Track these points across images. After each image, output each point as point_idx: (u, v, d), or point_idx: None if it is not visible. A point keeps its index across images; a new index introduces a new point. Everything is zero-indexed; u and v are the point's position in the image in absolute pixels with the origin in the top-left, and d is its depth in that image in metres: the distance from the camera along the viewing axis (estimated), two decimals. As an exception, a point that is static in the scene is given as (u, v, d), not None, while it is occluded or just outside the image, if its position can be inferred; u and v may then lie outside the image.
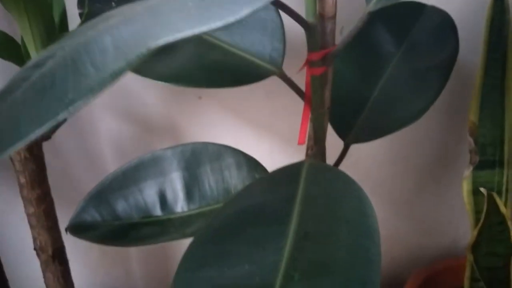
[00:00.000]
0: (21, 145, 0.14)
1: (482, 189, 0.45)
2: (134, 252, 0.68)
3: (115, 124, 0.58)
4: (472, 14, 0.57)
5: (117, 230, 0.41)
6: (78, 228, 0.41)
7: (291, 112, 0.61)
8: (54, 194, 0.47)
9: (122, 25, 0.17)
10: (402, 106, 0.43)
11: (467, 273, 0.58)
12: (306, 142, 0.41)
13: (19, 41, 0.41)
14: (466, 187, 0.55)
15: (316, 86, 0.36)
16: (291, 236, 0.30)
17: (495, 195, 0.43)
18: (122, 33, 0.17)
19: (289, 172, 0.34)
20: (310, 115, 0.39)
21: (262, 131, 0.61)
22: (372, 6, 0.31)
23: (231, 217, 0.32)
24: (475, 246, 0.46)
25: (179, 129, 0.59)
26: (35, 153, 0.43)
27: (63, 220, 0.49)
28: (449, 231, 0.74)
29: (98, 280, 0.68)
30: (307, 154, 0.42)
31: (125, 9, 0.22)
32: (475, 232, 0.45)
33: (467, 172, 0.56)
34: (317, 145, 0.40)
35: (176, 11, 0.18)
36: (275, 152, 0.63)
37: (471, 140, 0.55)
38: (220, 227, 0.32)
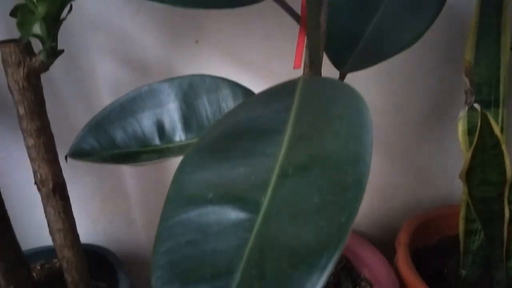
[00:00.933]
0: None
1: (476, 105, 0.45)
2: (135, 201, 0.69)
3: (113, 69, 0.59)
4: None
5: (116, 157, 0.42)
6: (78, 155, 0.42)
7: (288, 55, 0.61)
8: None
9: None
10: (396, 37, 0.43)
11: (462, 213, 0.59)
12: (302, 69, 0.42)
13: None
14: (461, 127, 0.56)
15: (312, 6, 0.36)
16: (286, 140, 0.30)
17: (489, 115, 0.44)
18: None
19: (285, 87, 0.35)
20: (305, 39, 0.39)
21: (258, 74, 0.62)
22: None
23: (228, 128, 0.33)
24: (469, 173, 0.46)
25: (176, 73, 0.59)
26: (33, 83, 0.43)
27: (63, 161, 0.49)
28: (445, 182, 0.75)
29: (100, 229, 0.69)
30: (303, 82, 0.42)
31: None
32: (469, 155, 0.46)
33: (463, 112, 0.56)
34: (312, 71, 0.40)
35: None
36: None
37: (466, 80, 0.55)
38: (217, 137, 0.32)
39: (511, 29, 0.54)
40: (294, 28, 0.52)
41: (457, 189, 0.75)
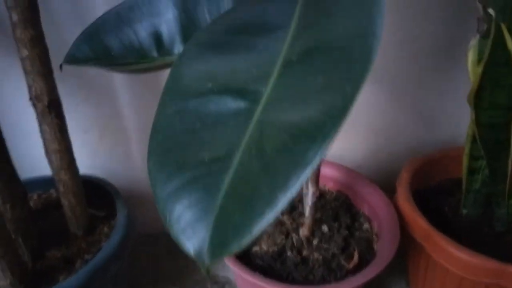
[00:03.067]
0: None
1: (490, 10, 0.42)
2: (134, 133, 0.67)
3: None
4: None
5: (112, 66, 0.40)
6: (73, 61, 0.40)
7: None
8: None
9: None
10: None
11: (467, 149, 0.58)
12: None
13: None
14: (471, 57, 0.54)
15: None
16: (291, 34, 0.28)
17: (503, 26, 0.41)
18: None
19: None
20: None
21: None
22: None
23: (229, 23, 0.31)
24: (478, 93, 0.44)
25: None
26: (25, -14, 0.41)
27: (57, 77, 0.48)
28: (449, 125, 0.73)
29: (98, 162, 0.69)
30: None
31: None
32: (479, 70, 0.44)
33: (474, 41, 0.53)
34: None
35: None
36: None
37: (479, 6, 0.53)
38: (218, 32, 0.31)
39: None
40: None
41: (461, 134, 0.74)
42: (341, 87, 0.20)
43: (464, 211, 0.61)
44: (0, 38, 0.56)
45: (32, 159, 0.62)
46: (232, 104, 0.26)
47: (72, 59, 0.41)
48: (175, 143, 0.25)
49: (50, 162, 0.50)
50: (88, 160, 0.68)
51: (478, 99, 0.45)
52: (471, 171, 0.59)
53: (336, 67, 0.22)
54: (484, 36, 0.53)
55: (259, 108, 0.25)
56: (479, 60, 0.53)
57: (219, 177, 0.23)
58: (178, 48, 0.42)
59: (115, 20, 0.42)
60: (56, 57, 0.46)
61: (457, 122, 0.73)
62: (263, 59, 0.28)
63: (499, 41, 0.40)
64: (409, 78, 0.68)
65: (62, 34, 0.52)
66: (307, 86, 0.23)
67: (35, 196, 0.63)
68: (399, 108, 0.71)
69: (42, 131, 0.48)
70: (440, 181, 0.68)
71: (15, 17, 0.41)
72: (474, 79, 0.54)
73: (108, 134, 0.67)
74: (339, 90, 0.20)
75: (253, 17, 0.31)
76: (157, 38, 0.42)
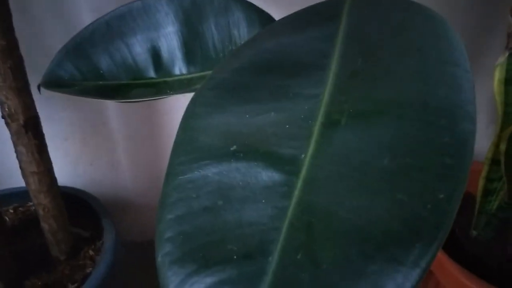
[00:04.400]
0: None
1: None
2: (120, 141, 0.61)
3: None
4: None
5: (102, 89, 0.34)
6: (53, 84, 0.33)
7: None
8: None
9: None
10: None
11: (484, 173, 0.54)
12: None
13: None
14: (498, 75, 0.49)
15: None
16: (332, 78, 0.23)
17: None
18: None
19: (325, 7, 0.27)
20: None
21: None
22: None
23: (252, 58, 0.25)
24: None
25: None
26: (-7, -11, 0.34)
27: (36, 91, 0.41)
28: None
29: (80, 171, 0.62)
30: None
31: None
32: None
33: (502, 58, 0.49)
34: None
35: None
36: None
37: (511, 20, 0.48)
38: (238, 70, 0.25)
39: None
40: None
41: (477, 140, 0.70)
42: (429, 190, 0.15)
43: (474, 233, 0.58)
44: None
45: (7, 168, 0.56)
46: (263, 175, 0.21)
47: (53, 78, 0.34)
48: (192, 227, 0.20)
49: (28, 184, 0.44)
50: (69, 168, 0.62)
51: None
52: (485, 193, 0.56)
53: (412, 151, 0.17)
54: (513, 53, 0.49)
55: (299, 184, 0.20)
56: (506, 80, 0.49)
57: (253, 286, 0.17)
58: (180, 67, 0.36)
59: (105, 31, 0.35)
60: (34, 66, 0.40)
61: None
62: (298, 111, 0.22)
63: None
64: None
65: (41, 40, 0.45)
66: (366, 165, 0.18)
67: (11, 210, 0.57)
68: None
69: (17, 152, 0.42)
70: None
71: (-18, 25, 0.35)
72: (499, 99, 0.50)
73: (91, 141, 0.61)
74: (425, 193, 0.15)
75: (281, 52, 0.25)
76: (155, 54, 0.36)
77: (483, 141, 0.63)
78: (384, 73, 0.20)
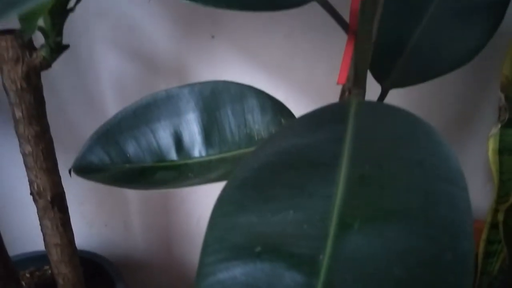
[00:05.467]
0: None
1: None
2: (133, 204, 0.64)
3: (117, 62, 0.53)
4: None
5: (128, 173, 0.37)
6: (85, 170, 0.36)
7: (310, 55, 0.57)
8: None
9: None
10: (448, 48, 0.39)
11: (484, 236, 0.56)
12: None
13: None
14: (492, 145, 0.53)
15: (365, 16, 0.31)
16: (343, 180, 0.26)
17: None
18: None
19: (334, 111, 0.30)
20: (353, 49, 0.34)
21: (278, 75, 0.57)
22: None
23: (271, 158, 0.28)
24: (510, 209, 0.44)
25: (188, 71, 0.54)
26: (33, 83, 0.37)
27: (61, 164, 0.44)
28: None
29: (95, 232, 0.64)
30: (342, 98, 0.38)
31: None
32: None
33: (495, 129, 0.53)
34: (356, 86, 0.36)
35: None
36: (290, 98, 0.58)
37: (502, 96, 0.52)
38: (259, 169, 0.28)
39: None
40: (317, 27, 0.47)
41: (473, 201, 0.73)
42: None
43: (479, 293, 0.59)
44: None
45: (23, 233, 0.58)
46: (286, 276, 0.23)
47: (84, 163, 0.37)
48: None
49: (50, 254, 0.46)
50: (84, 229, 0.64)
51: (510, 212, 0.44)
52: (487, 255, 0.58)
53: (419, 262, 0.19)
54: (505, 126, 0.52)
55: (319, 286, 0.22)
56: (499, 149, 0.52)
57: None
58: (200, 150, 0.39)
59: (131, 118, 0.39)
60: (59, 136, 0.43)
61: (470, 191, 0.71)
62: (314, 211, 0.25)
63: None
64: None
65: (66, 114, 0.48)
66: (379, 273, 0.21)
67: (27, 274, 0.59)
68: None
69: (42, 226, 0.44)
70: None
71: (18, 114, 0.38)
72: (495, 168, 0.53)
73: (106, 204, 0.63)
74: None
75: (296, 152, 0.28)
76: (177, 138, 0.39)
77: (481, 199, 0.65)
78: (389, 183, 0.23)
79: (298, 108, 0.59)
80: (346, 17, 0.34)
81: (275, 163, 0.28)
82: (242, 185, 0.27)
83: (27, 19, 0.31)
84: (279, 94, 0.58)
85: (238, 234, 0.25)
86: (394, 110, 0.28)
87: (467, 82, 0.62)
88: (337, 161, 0.27)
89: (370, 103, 0.30)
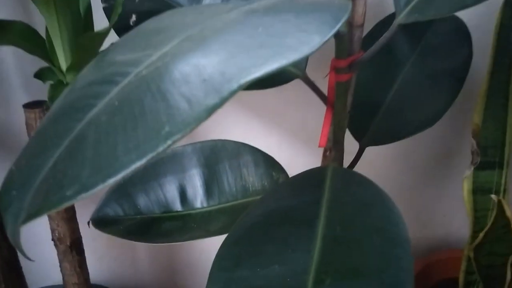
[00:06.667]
0: (121, 175, 0.15)
1: (493, 196, 0.47)
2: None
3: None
4: (481, 19, 0.58)
5: (139, 224, 0.42)
6: (102, 222, 0.42)
7: (301, 104, 0.62)
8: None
9: (198, 52, 0.18)
10: (416, 110, 0.45)
11: (463, 267, 0.61)
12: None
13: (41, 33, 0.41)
14: (466, 186, 0.58)
15: (340, 91, 0.37)
16: (320, 239, 0.31)
17: (503, 201, 0.46)
18: (202, 63, 0.18)
19: (313, 177, 0.36)
20: (331, 118, 0.40)
21: (271, 123, 0.63)
22: (402, 19, 0.32)
23: (261, 218, 0.34)
24: (479, 246, 0.49)
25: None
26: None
27: (79, 211, 0.50)
28: (444, 224, 0.77)
29: (105, 267, 0.70)
30: (324, 156, 0.43)
31: (178, 25, 0.23)
32: (482, 235, 0.48)
33: (468, 172, 0.58)
34: (335, 147, 0.41)
35: (249, 37, 0.19)
36: (283, 143, 0.64)
37: (473, 141, 0.57)
38: (251, 227, 0.33)
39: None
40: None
41: (454, 232, 0.78)
42: None
43: (462, 321, 0.64)
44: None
45: (42, 268, 0.63)
46: (272, 322, 0.28)
47: (101, 215, 0.43)
48: None
49: (67, 292, 0.52)
50: (95, 264, 0.69)
51: (478, 249, 0.49)
52: (467, 284, 0.62)
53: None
54: (478, 168, 0.58)
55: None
56: (473, 190, 0.58)
57: None
58: (201, 201, 0.44)
59: (142, 174, 0.44)
60: None
61: (450, 221, 0.77)
62: (296, 265, 0.30)
63: (500, 214, 0.45)
64: (408, 186, 0.72)
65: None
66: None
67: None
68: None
69: (62, 267, 0.49)
70: (439, 281, 0.72)
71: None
72: (469, 207, 0.58)
73: (115, 240, 0.68)
74: None
75: (282, 212, 0.34)
76: (181, 191, 0.44)
77: (466, 229, 0.69)
78: (355, 245, 0.29)
79: (293, 149, 0.65)
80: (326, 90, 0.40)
81: (265, 222, 0.34)
82: (237, 243, 0.33)
83: (55, 98, 0.37)
84: (273, 138, 0.64)
85: (234, 287, 0.30)
86: (360, 178, 0.33)
87: (444, 128, 0.68)
88: (316, 221, 0.33)
89: (342, 170, 0.36)
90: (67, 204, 0.15)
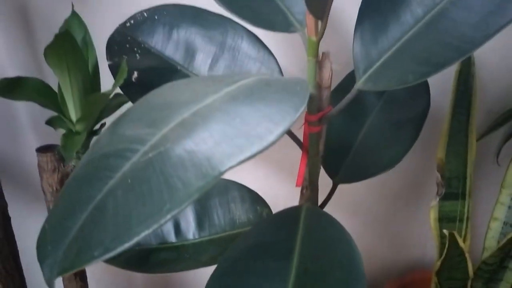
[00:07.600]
0: (135, 241, 0.21)
1: (445, 231, 0.53)
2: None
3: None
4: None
5: (138, 255, 0.48)
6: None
7: (285, 144, 0.69)
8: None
9: (190, 141, 0.24)
10: (382, 152, 0.51)
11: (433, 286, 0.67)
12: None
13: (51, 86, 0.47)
14: (433, 215, 0.64)
15: (313, 140, 0.44)
16: (294, 270, 0.37)
17: (455, 234, 0.52)
18: (194, 149, 0.24)
19: (291, 215, 0.42)
20: (306, 162, 0.46)
21: (257, 158, 0.69)
22: (360, 85, 0.39)
23: (244, 252, 0.40)
24: (439, 272, 0.55)
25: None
26: (66, 187, 0.48)
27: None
28: (418, 246, 0.84)
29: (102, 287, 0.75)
30: (302, 193, 0.49)
31: (176, 104, 0.29)
32: (439, 262, 0.54)
33: (434, 202, 0.64)
34: (311, 185, 0.47)
35: (230, 126, 0.25)
36: (270, 176, 0.70)
37: (438, 174, 0.64)
38: (235, 261, 0.39)
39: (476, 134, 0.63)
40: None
41: (428, 251, 0.84)
42: None
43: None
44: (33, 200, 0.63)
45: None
46: None
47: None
48: None
49: (70, 314, 0.56)
50: (94, 286, 0.74)
51: (439, 274, 0.55)
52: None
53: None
54: (443, 199, 0.64)
55: None
56: (439, 218, 0.64)
57: None
58: (193, 233, 0.50)
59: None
60: None
61: (424, 243, 0.83)
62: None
63: (454, 245, 0.51)
64: (383, 212, 0.79)
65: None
66: None
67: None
68: (375, 234, 0.81)
69: (66, 292, 0.54)
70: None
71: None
72: (435, 233, 0.64)
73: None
74: None
75: (263, 247, 0.40)
76: (176, 225, 0.50)
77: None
78: (322, 278, 0.35)
79: (277, 181, 0.70)
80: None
81: (248, 256, 0.39)
82: (224, 274, 0.38)
83: (67, 150, 0.43)
84: (260, 171, 0.70)
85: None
86: (329, 218, 0.40)
87: (416, 161, 0.74)
88: (291, 255, 0.38)
89: (314, 209, 0.42)
90: (95, 262, 0.21)
